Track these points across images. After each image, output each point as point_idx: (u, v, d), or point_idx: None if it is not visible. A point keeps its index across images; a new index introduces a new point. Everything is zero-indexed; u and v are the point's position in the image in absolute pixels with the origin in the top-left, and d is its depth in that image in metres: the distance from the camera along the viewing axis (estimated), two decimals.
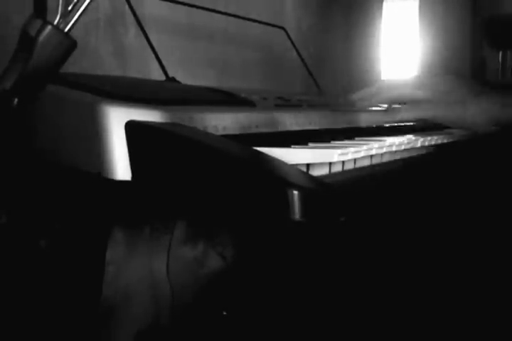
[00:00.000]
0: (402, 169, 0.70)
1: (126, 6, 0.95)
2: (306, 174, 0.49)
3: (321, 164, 0.54)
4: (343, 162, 0.57)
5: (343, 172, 0.57)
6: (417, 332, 0.92)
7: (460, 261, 1.04)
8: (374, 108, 0.89)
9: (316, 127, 0.71)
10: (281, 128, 0.65)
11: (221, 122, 0.55)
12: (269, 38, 1.52)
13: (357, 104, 0.79)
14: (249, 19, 1.31)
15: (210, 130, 0.53)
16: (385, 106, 0.86)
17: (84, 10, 0.48)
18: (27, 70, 0.46)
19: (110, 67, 1.14)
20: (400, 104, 0.82)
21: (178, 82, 0.87)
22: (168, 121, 0.50)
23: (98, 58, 1.12)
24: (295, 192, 0.39)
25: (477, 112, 0.73)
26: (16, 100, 0.48)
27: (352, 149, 0.53)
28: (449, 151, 0.84)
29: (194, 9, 1.15)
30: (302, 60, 1.38)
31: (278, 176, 0.42)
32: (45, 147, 0.54)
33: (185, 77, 0.90)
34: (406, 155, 0.73)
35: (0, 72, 0.48)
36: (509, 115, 0.72)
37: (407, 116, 0.77)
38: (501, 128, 0.76)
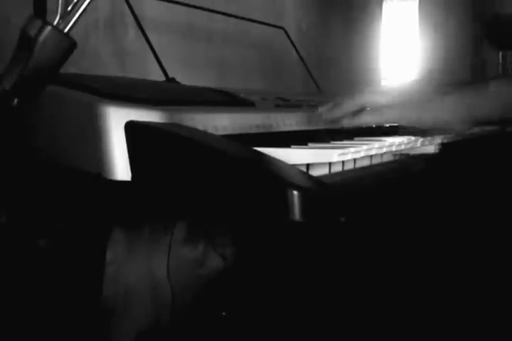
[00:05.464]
0: (402, 169, 0.70)
1: (126, 7, 0.95)
2: (306, 174, 0.49)
3: (321, 164, 0.54)
4: (343, 162, 0.57)
5: (343, 172, 0.57)
6: (416, 332, 0.92)
7: (459, 261, 1.04)
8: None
9: (316, 127, 0.71)
10: (280, 129, 0.65)
11: (221, 122, 0.55)
12: (269, 38, 1.52)
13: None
14: (249, 19, 1.30)
15: (210, 130, 0.53)
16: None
17: (84, 10, 0.48)
18: (27, 70, 0.46)
19: (110, 68, 1.14)
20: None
21: (178, 82, 0.87)
22: (168, 121, 0.50)
23: (98, 58, 1.12)
24: (295, 193, 0.39)
25: (444, 111, 0.71)
26: (16, 100, 0.48)
27: (352, 149, 0.53)
28: (449, 151, 0.84)
29: (194, 9, 1.15)
30: (302, 60, 1.38)
31: (278, 176, 0.42)
32: (45, 147, 0.54)
33: (185, 77, 0.90)
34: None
35: (0, 72, 0.48)
36: (475, 114, 0.70)
37: (369, 119, 0.74)
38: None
